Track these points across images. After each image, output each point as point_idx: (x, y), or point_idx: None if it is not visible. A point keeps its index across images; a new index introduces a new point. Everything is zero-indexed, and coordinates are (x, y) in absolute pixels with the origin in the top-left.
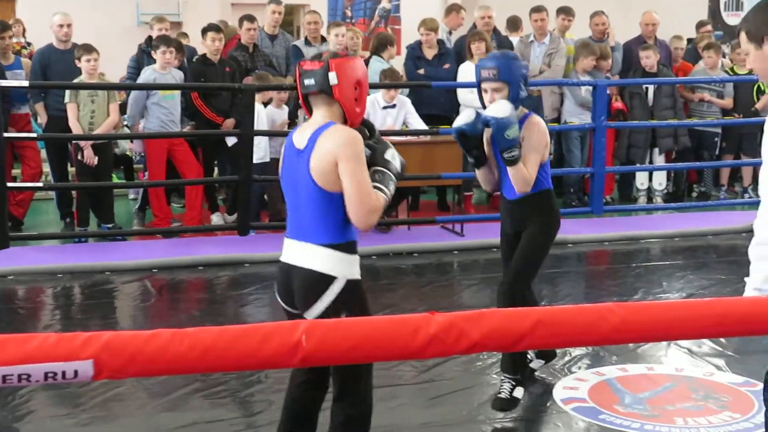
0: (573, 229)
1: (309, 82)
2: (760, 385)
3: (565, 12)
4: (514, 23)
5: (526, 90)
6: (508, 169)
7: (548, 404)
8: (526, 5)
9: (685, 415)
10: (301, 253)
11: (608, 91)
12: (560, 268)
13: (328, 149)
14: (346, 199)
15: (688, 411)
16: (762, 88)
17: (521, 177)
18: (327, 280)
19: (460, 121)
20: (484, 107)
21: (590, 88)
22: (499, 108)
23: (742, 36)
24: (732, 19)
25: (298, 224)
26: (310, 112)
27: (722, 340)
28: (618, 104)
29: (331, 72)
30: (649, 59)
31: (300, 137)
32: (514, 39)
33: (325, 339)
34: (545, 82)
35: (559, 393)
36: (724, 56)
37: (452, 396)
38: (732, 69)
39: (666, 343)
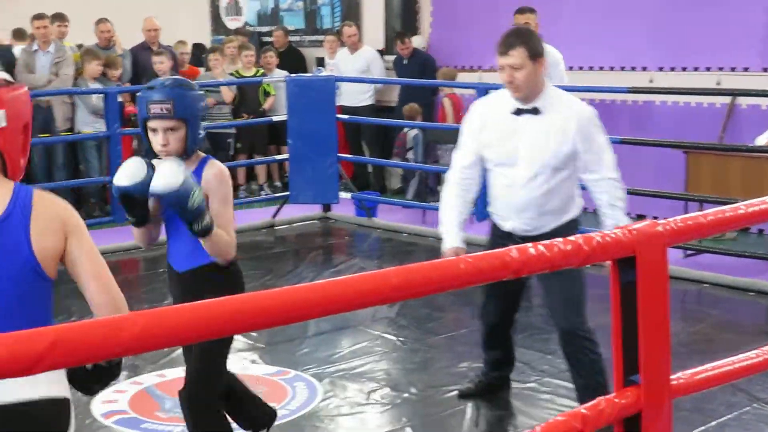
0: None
1: None
2: (293, 373)
3: (60, 18)
4: (20, 33)
5: (202, 129)
6: (203, 241)
7: (87, 422)
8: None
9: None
10: None
11: (120, 98)
12: None
13: None
14: None
15: None
16: (266, 89)
17: (223, 245)
18: None
19: (124, 178)
20: (151, 151)
21: (101, 96)
22: (168, 175)
23: (521, 52)
24: (232, 23)
25: None
26: None
27: (253, 333)
28: (132, 108)
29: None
30: (162, 64)
31: None
32: (18, 49)
33: None
34: (55, 92)
35: (98, 408)
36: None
37: None
38: (238, 72)
39: None
